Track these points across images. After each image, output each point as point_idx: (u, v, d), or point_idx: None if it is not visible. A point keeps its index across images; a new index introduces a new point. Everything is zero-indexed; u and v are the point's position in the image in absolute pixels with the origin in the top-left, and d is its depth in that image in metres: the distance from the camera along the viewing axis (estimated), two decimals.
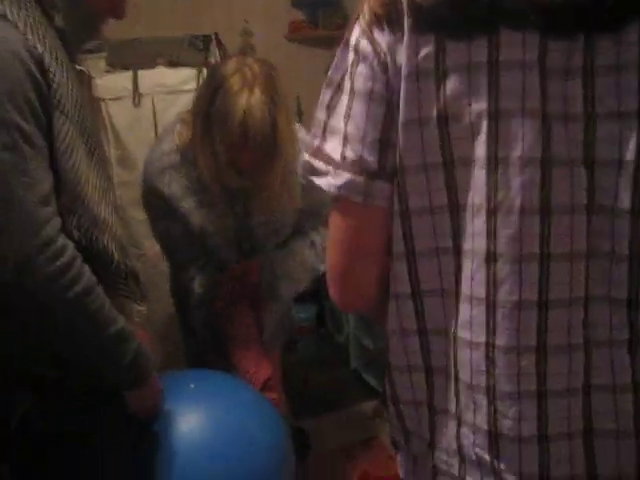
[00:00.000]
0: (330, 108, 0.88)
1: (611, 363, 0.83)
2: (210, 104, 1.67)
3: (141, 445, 1.47)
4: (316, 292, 2.91)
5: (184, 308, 2.03)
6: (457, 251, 0.85)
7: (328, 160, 0.87)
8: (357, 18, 0.86)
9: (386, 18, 0.82)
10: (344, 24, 4.05)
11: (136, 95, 2.62)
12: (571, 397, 0.83)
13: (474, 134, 0.81)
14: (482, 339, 0.84)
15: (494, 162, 0.80)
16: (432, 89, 0.81)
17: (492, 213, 0.81)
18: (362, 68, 0.84)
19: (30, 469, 1.31)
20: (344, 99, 0.86)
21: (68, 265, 1.14)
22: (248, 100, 1.63)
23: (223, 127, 1.66)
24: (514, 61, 0.78)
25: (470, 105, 0.80)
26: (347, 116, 0.85)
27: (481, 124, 0.80)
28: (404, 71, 0.81)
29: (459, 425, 0.89)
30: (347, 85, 0.86)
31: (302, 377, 2.97)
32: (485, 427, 0.86)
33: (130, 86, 2.62)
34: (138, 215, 2.56)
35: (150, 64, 2.74)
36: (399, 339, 0.92)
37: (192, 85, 2.66)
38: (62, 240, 1.14)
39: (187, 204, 1.83)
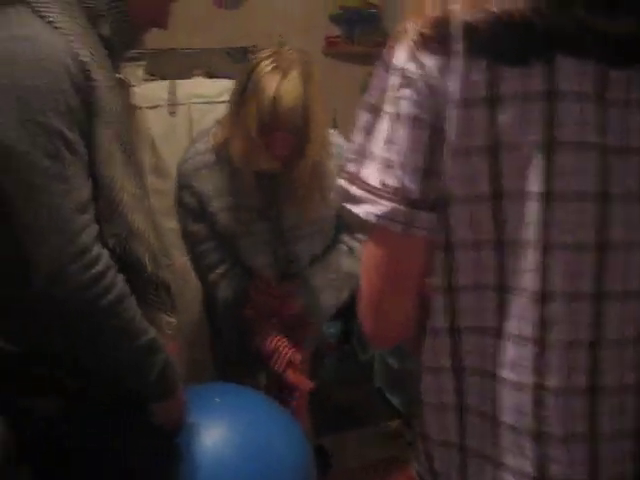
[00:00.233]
0: (368, 132, 0.83)
1: None
2: (244, 86, 1.71)
3: (164, 456, 1.46)
4: (342, 308, 2.89)
5: (213, 312, 2.03)
6: (501, 287, 0.81)
7: (365, 187, 0.82)
8: (400, 38, 0.82)
9: (436, 40, 0.78)
10: (381, 42, 4.04)
11: (173, 104, 2.62)
12: (624, 439, 0.80)
13: (527, 166, 0.77)
14: (530, 380, 0.80)
15: (549, 196, 0.77)
16: (483, 117, 0.77)
17: (546, 250, 0.78)
18: (407, 92, 0.79)
19: (53, 473, 1.30)
20: (384, 123, 0.81)
21: (102, 274, 1.13)
22: (281, 80, 1.66)
23: (255, 106, 1.67)
24: (572, 91, 0.75)
25: (524, 135, 0.77)
26: (388, 141, 0.80)
27: (535, 156, 0.77)
28: (454, 97, 0.77)
29: (497, 469, 0.85)
30: (389, 109, 0.81)
31: (325, 394, 2.94)
32: (530, 471, 0.82)
33: (167, 95, 2.63)
34: (169, 224, 2.57)
35: (188, 74, 2.75)
36: (433, 376, 0.88)
37: (228, 97, 2.66)
38: (97, 249, 1.14)
39: (217, 204, 1.83)
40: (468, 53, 0.76)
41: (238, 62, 2.82)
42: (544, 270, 0.78)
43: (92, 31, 1.20)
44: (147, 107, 2.60)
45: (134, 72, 2.65)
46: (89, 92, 1.14)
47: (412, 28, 0.80)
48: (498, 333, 0.82)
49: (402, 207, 0.80)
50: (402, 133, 0.80)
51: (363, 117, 0.84)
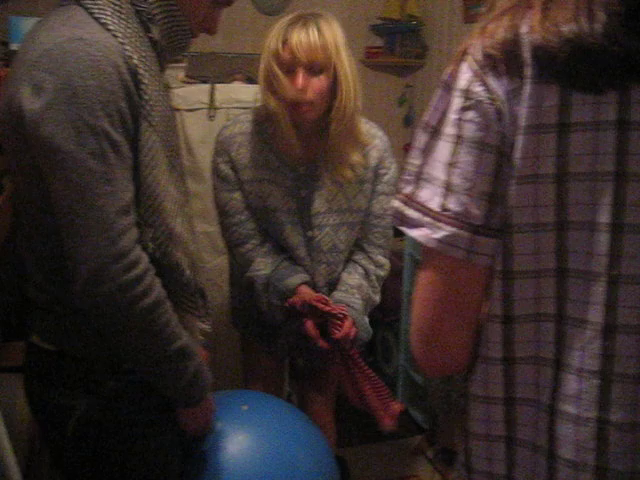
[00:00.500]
0: (426, 154, 0.81)
1: None
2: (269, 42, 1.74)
3: (189, 460, 1.46)
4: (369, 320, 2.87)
5: (236, 284, 2.04)
6: (560, 319, 0.79)
7: (423, 210, 0.80)
8: (462, 58, 0.79)
9: (504, 62, 0.76)
10: (421, 53, 4.05)
11: (212, 108, 2.63)
12: None
13: (596, 196, 0.75)
14: (592, 414, 0.78)
15: (619, 228, 0.75)
16: (553, 144, 0.75)
17: (614, 282, 0.76)
18: (473, 115, 0.77)
19: (83, 471, 1.30)
20: (446, 146, 0.79)
21: (140, 277, 1.13)
22: (300, 28, 1.70)
23: (274, 47, 1.70)
24: None
25: (594, 165, 0.74)
26: (451, 165, 0.78)
27: (606, 187, 0.74)
28: (523, 122, 0.75)
29: None
30: (451, 131, 0.78)
31: (347, 405, 2.92)
32: None
33: (206, 99, 2.64)
34: (202, 228, 2.58)
35: (227, 78, 2.76)
36: (482, 406, 0.86)
37: None
38: (137, 252, 1.14)
39: (250, 174, 1.83)
40: (538, 77, 0.74)
41: None
42: (611, 302, 0.76)
43: (143, 34, 1.21)
44: (186, 110, 2.61)
45: (175, 74, 2.67)
46: (138, 95, 1.15)
47: (477, 48, 0.78)
48: (557, 364, 0.80)
49: (464, 232, 0.78)
50: (467, 157, 0.77)
51: (421, 138, 0.82)
